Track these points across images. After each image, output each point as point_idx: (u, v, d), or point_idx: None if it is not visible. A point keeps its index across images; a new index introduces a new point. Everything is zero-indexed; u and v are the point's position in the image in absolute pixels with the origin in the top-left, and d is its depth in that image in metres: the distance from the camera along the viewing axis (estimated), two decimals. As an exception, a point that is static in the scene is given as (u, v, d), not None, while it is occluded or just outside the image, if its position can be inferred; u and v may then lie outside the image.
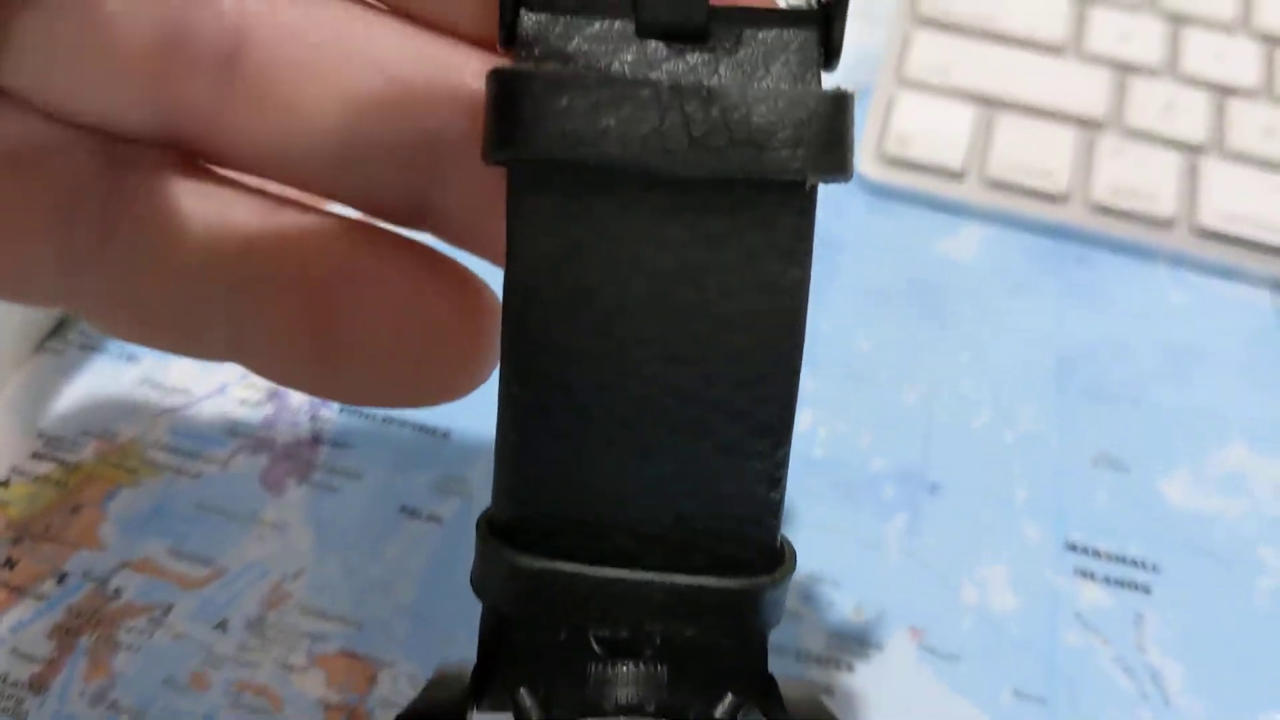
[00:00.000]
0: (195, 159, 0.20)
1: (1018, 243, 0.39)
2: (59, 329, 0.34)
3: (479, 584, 0.19)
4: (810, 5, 0.18)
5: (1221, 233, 0.39)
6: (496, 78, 0.17)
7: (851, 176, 0.18)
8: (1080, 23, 0.44)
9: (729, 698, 0.19)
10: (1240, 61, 0.43)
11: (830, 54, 0.18)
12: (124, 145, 0.20)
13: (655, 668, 0.19)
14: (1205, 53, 0.43)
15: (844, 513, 0.32)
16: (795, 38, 0.18)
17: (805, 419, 0.34)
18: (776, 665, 0.27)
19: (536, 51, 0.17)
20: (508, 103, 0.17)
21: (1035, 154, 0.40)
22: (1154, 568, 0.32)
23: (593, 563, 0.19)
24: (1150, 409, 0.35)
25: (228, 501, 0.31)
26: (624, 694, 0.19)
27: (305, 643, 0.29)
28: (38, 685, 0.28)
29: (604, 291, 0.17)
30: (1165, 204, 0.39)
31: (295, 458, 0.32)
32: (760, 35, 0.18)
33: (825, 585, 0.31)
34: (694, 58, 0.18)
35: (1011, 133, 0.41)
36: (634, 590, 0.19)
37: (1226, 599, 0.31)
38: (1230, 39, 0.43)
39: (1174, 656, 0.30)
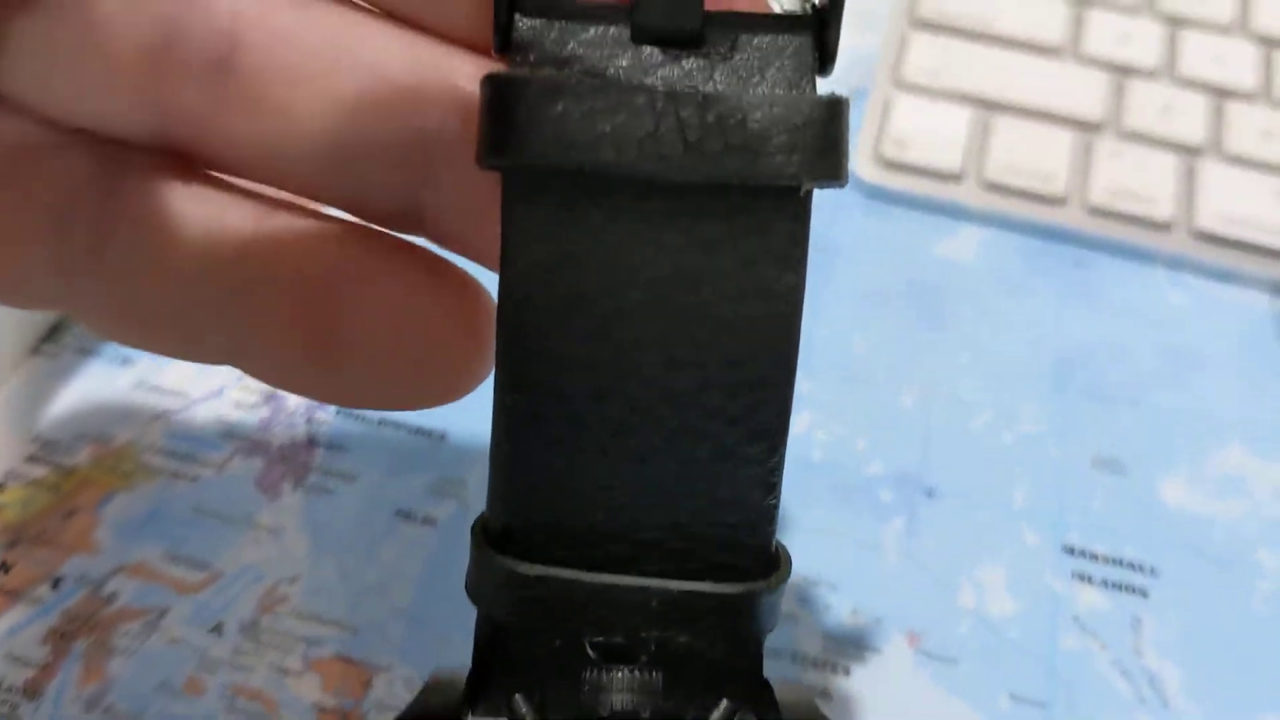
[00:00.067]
0: (190, 163, 0.20)
1: (1015, 245, 0.39)
2: (54, 332, 0.34)
3: (474, 590, 0.19)
4: (805, 10, 0.18)
5: (1219, 235, 0.39)
6: (491, 83, 0.17)
7: (847, 182, 0.18)
8: (1078, 25, 0.44)
9: (724, 703, 0.19)
10: (1238, 64, 0.43)
11: (825, 59, 0.18)
12: (118, 149, 0.19)
13: (650, 674, 0.19)
14: (1203, 55, 0.43)
15: (841, 515, 0.32)
16: (790, 43, 0.18)
17: (803, 422, 0.34)
18: (772, 668, 0.27)
19: (531, 57, 0.17)
20: (502, 108, 0.17)
21: (1033, 156, 0.40)
22: (1152, 571, 0.32)
23: (588, 569, 0.19)
24: (1148, 411, 0.35)
25: (223, 505, 0.31)
26: (619, 700, 0.19)
27: (300, 647, 0.29)
28: (32, 690, 0.28)
29: (599, 297, 0.17)
30: (1163, 206, 0.39)
31: (291, 461, 0.32)
32: (755, 41, 0.18)
33: (822, 588, 0.31)
34: (689, 63, 0.18)
35: (1009, 135, 0.41)
36: (629, 596, 0.19)
37: (1224, 602, 0.31)
38: (1228, 41, 0.43)
39: (1172, 660, 0.30)
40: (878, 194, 0.40)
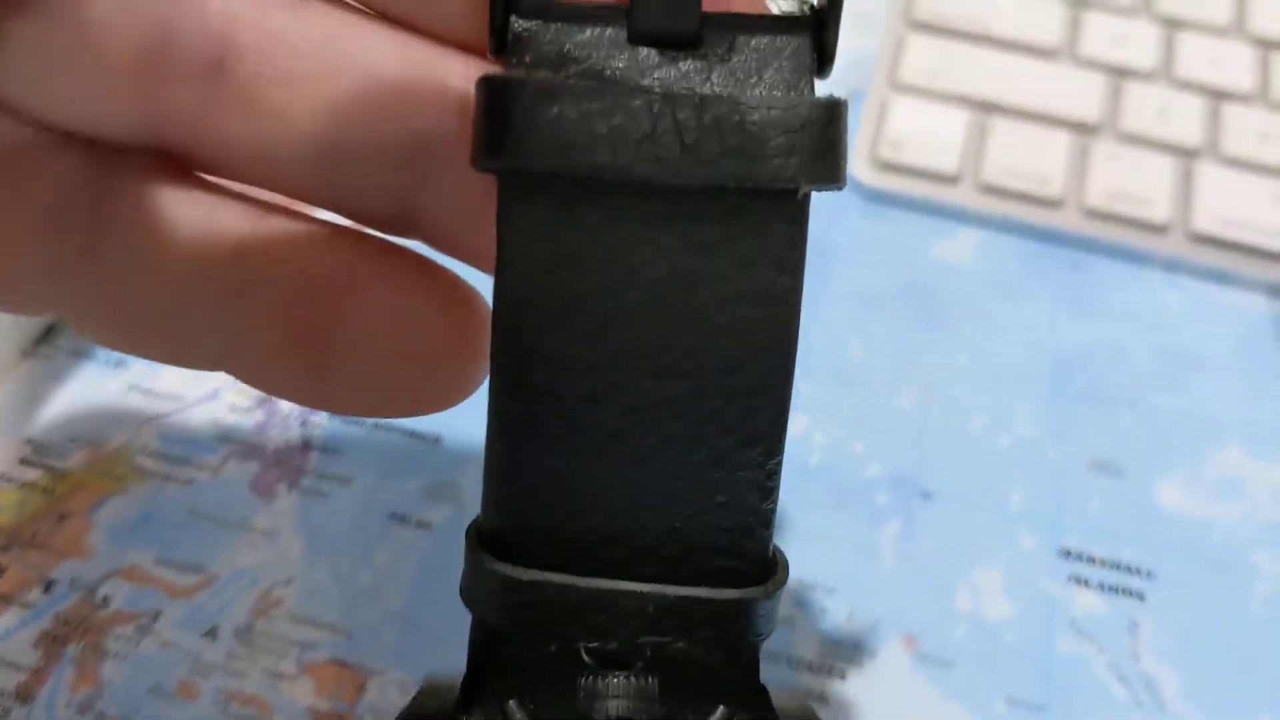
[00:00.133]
0: (184, 165, 0.20)
1: (1012, 247, 0.39)
2: (48, 335, 0.34)
3: (468, 595, 0.19)
4: (803, 11, 0.18)
5: (1216, 237, 0.39)
6: (486, 85, 0.17)
7: (845, 185, 0.17)
8: (1074, 26, 0.44)
9: (720, 709, 0.19)
10: (1235, 66, 0.43)
11: (823, 61, 0.18)
12: (112, 152, 0.19)
13: (646, 680, 0.19)
14: (1200, 57, 0.43)
15: (838, 519, 0.32)
16: (788, 44, 0.18)
17: (800, 425, 0.34)
18: (769, 672, 0.27)
19: (527, 58, 0.17)
20: (498, 110, 0.17)
21: (1030, 158, 0.40)
22: (1149, 574, 0.32)
23: (583, 574, 0.19)
24: (1145, 413, 0.35)
25: (217, 508, 0.31)
26: (614, 706, 0.19)
27: (294, 651, 0.29)
28: (24, 694, 0.28)
29: (595, 301, 0.17)
30: (1160, 209, 0.39)
31: (286, 464, 0.32)
32: (753, 42, 0.18)
33: (818, 592, 0.30)
34: (686, 65, 0.17)
35: (1006, 137, 0.41)
36: (625, 602, 0.18)
37: (1222, 605, 0.31)
38: (1225, 43, 0.43)
39: (1169, 664, 0.30)
40: (874, 196, 0.40)
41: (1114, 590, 0.31)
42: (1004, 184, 0.40)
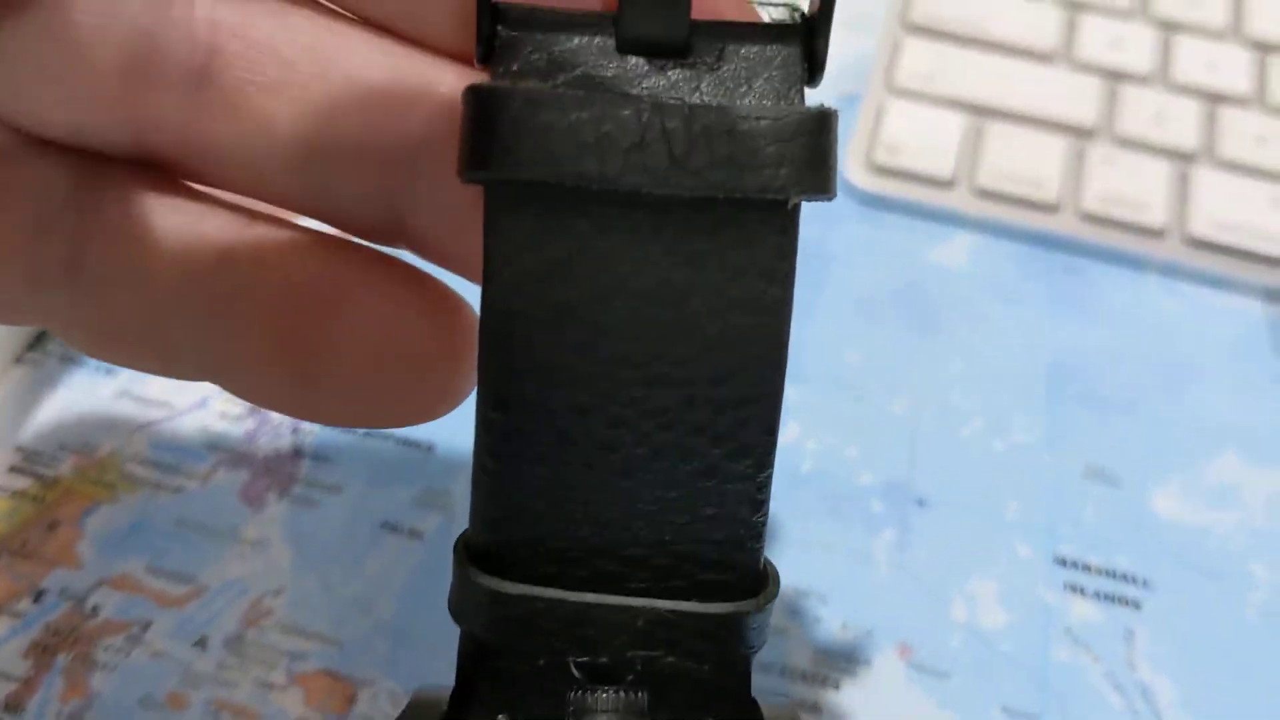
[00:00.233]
0: (168, 174, 0.20)
1: (1008, 252, 0.39)
2: (38, 341, 0.34)
3: (456, 609, 0.19)
4: (793, 20, 0.18)
5: (1212, 242, 0.39)
6: (474, 95, 0.17)
7: (835, 195, 0.17)
8: (1071, 29, 0.43)
9: (710, 724, 0.19)
10: (1231, 69, 0.43)
11: (814, 70, 0.18)
12: (96, 161, 0.19)
13: (636, 694, 0.19)
14: (1196, 60, 0.43)
15: (832, 527, 0.32)
16: (778, 53, 0.18)
17: (793, 431, 0.33)
18: (762, 682, 0.27)
19: (515, 67, 0.17)
20: (485, 121, 0.17)
21: (1025, 162, 0.40)
22: (1144, 583, 0.31)
23: (573, 588, 0.18)
24: (1141, 420, 0.35)
25: (207, 517, 0.31)
26: (604, 721, 0.19)
27: (284, 661, 0.28)
28: (14, 705, 0.27)
29: (583, 312, 0.17)
30: (1156, 213, 0.39)
31: (276, 472, 0.31)
32: (742, 51, 0.18)
33: (812, 601, 0.30)
34: (675, 74, 0.17)
35: (1002, 141, 0.41)
36: (614, 616, 0.18)
37: (1217, 614, 0.31)
38: (1222, 46, 0.43)
39: (1164, 673, 0.30)
40: (870, 200, 0.40)
41: (1110, 599, 0.31)
42: (1000, 188, 0.39)
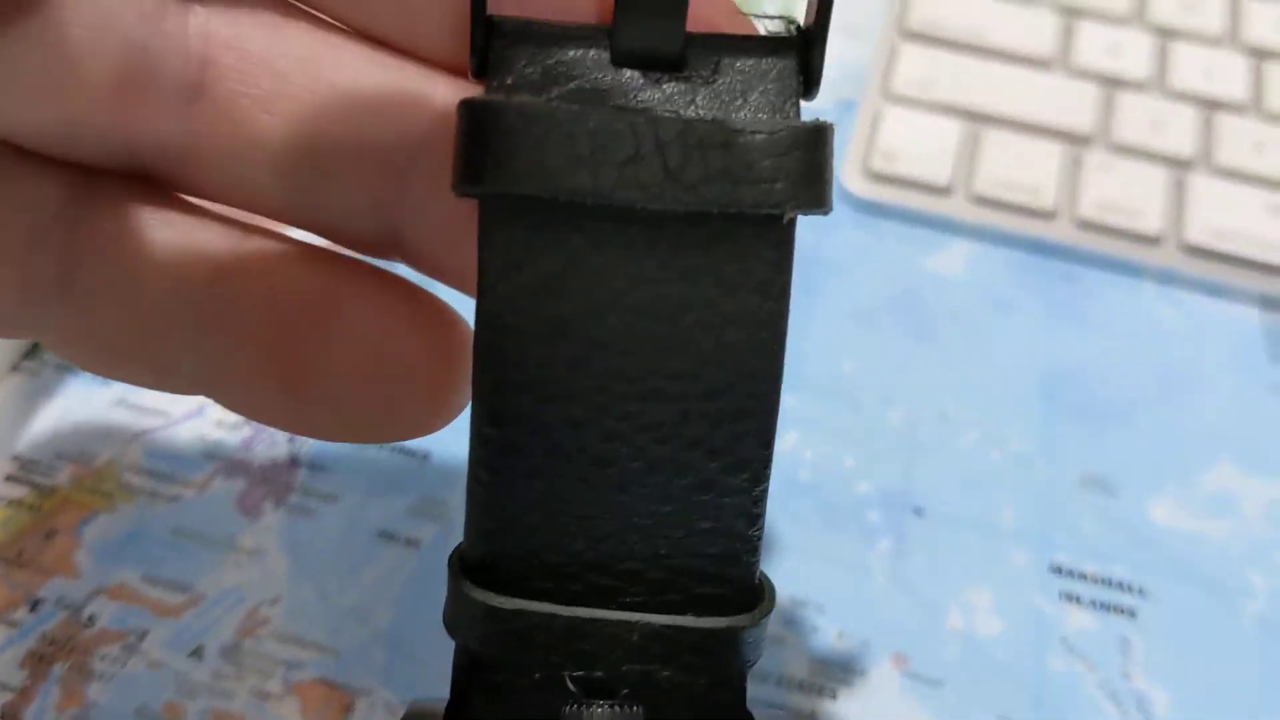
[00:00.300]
0: (162, 187, 0.20)
1: (1004, 259, 0.39)
2: (34, 349, 0.34)
3: (451, 622, 0.19)
4: (789, 32, 0.18)
5: (1209, 249, 0.39)
6: (468, 108, 0.17)
7: (830, 210, 0.17)
8: (1068, 37, 0.43)
9: (705, 738, 0.19)
10: (1228, 76, 0.43)
11: (809, 83, 0.18)
12: (89, 174, 0.19)
13: (631, 708, 0.19)
14: (1193, 67, 0.43)
15: (828, 536, 0.32)
16: (773, 66, 0.18)
17: (790, 440, 0.33)
18: (758, 691, 0.27)
19: (509, 80, 0.17)
20: (478, 134, 0.17)
21: (1022, 170, 0.40)
22: (1140, 591, 0.31)
23: (567, 602, 0.18)
24: (1137, 428, 0.35)
25: (204, 526, 0.31)
26: (599, 734, 0.18)
27: (281, 670, 0.28)
28: (10, 715, 0.27)
29: (578, 326, 0.17)
30: (1152, 220, 0.39)
31: (272, 481, 0.31)
32: (738, 64, 0.17)
33: (809, 610, 0.30)
34: (670, 87, 0.17)
35: (998, 148, 0.41)
36: (609, 631, 0.18)
37: (1213, 623, 0.31)
38: (1218, 53, 0.43)
39: (1160, 682, 0.30)
40: (866, 207, 0.40)
41: (1105, 607, 0.31)
42: (996, 195, 0.39)
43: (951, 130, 0.41)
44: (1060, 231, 0.39)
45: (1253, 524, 0.33)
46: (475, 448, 0.18)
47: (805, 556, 0.31)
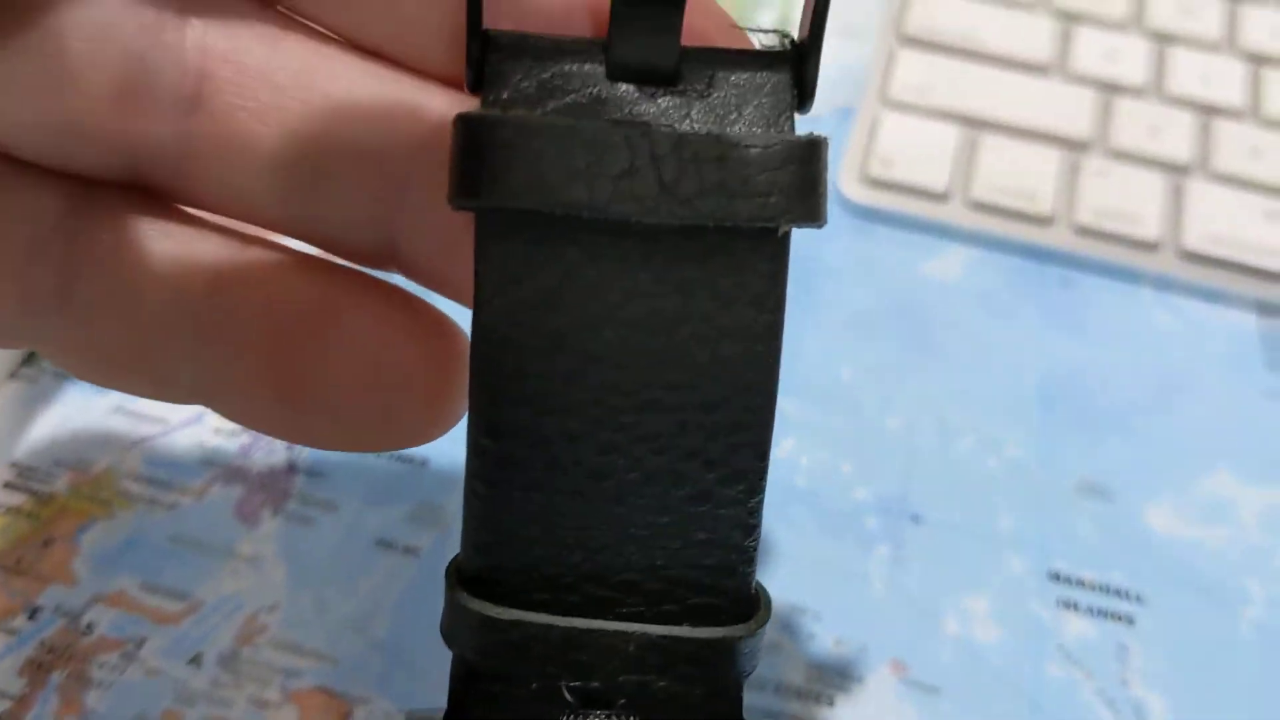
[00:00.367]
0: (159, 198, 0.20)
1: (1002, 265, 0.39)
2: (32, 356, 0.34)
3: (448, 633, 0.19)
4: (783, 46, 0.18)
5: (1206, 255, 0.39)
6: (463, 123, 0.17)
7: (825, 223, 0.17)
8: (1065, 42, 0.43)
9: (702, 748, 0.19)
10: (1226, 81, 0.43)
11: (804, 96, 0.18)
12: (87, 185, 0.19)
13: (628, 718, 0.19)
14: (1191, 73, 0.43)
15: (826, 543, 0.32)
16: (768, 80, 0.18)
17: (787, 446, 0.33)
18: (755, 699, 0.27)
19: (505, 94, 0.17)
20: (474, 149, 0.17)
21: (1020, 175, 0.40)
22: (1138, 598, 0.31)
23: (564, 613, 0.18)
24: (1134, 435, 0.35)
25: (202, 534, 0.31)
26: (595, 746, 0.19)
27: (279, 678, 0.28)
28: (8, 723, 0.27)
29: (574, 340, 0.17)
30: (1150, 226, 0.39)
31: (271, 488, 0.31)
32: (732, 78, 0.18)
33: (806, 617, 0.30)
34: (665, 101, 0.17)
35: (996, 154, 0.41)
36: (606, 642, 0.18)
37: (1211, 630, 0.31)
38: (1216, 58, 0.43)
39: (1157, 689, 0.30)
40: (864, 213, 0.40)
41: (1103, 614, 0.31)
42: (994, 201, 0.40)
43: (949, 136, 0.41)
44: (1058, 237, 0.39)
45: (1250, 531, 0.33)
46: (472, 460, 0.18)
47: (802, 563, 0.31)
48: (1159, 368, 0.37)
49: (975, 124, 0.41)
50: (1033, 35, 0.44)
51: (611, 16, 0.17)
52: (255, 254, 0.20)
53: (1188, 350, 0.37)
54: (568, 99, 0.17)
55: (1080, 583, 0.32)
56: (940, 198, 0.40)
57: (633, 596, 0.19)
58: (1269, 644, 0.31)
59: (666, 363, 0.17)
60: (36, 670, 0.28)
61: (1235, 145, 0.41)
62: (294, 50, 0.19)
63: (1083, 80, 0.43)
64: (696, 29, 0.18)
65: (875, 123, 0.42)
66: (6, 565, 0.30)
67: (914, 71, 0.43)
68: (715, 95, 0.17)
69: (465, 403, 0.18)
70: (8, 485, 0.31)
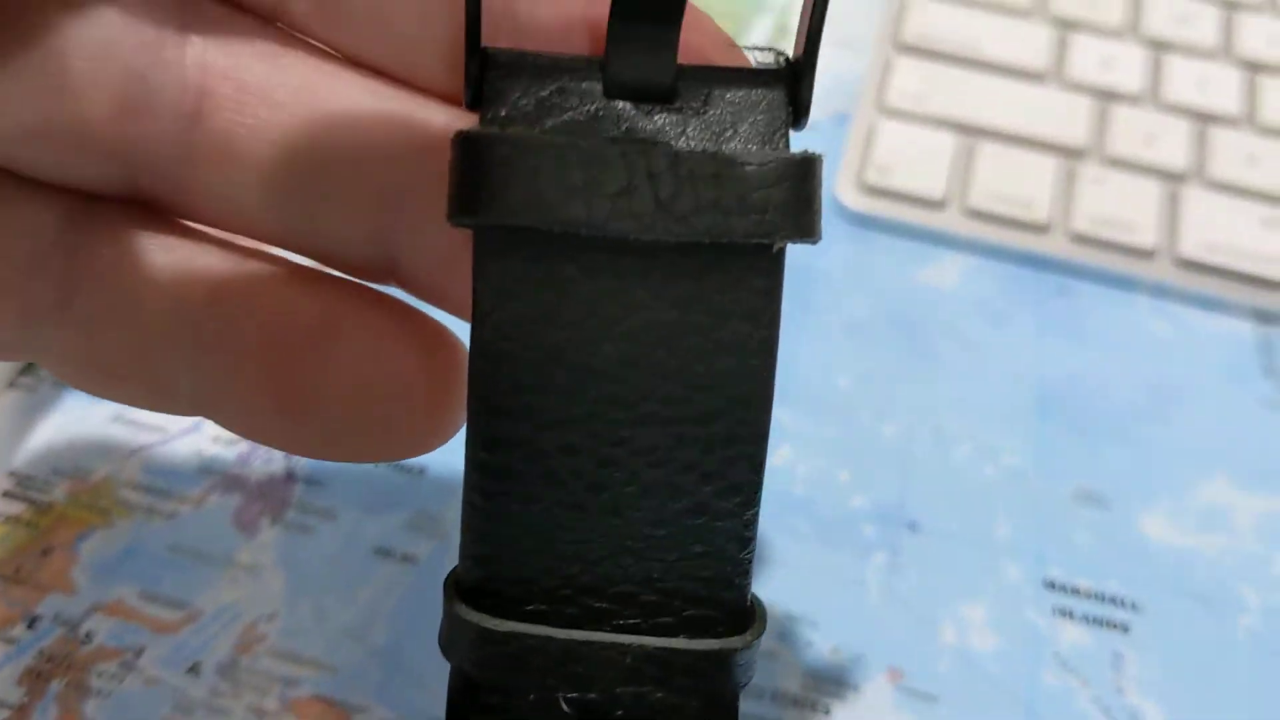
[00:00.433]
0: (159, 212, 0.20)
1: (998, 273, 0.39)
2: (30, 365, 0.34)
3: (447, 645, 0.19)
4: (778, 64, 0.18)
5: (1203, 263, 0.39)
6: (462, 140, 0.17)
7: (819, 239, 0.17)
8: (1061, 50, 0.44)
9: (699, 759, 0.19)
10: (1222, 89, 0.43)
11: (799, 114, 0.18)
12: (87, 200, 0.19)
13: (625, 730, 0.19)
14: (1187, 80, 0.43)
15: (822, 551, 0.32)
16: (763, 98, 0.18)
17: (784, 454, 0.34)
18: (752, 708, 0.27)
19: (503, 112, 0.17)
20: (473, 166, 0.17)
21: (1016, 183, 0.40)
22: (1134, 606, 0.31)
23: (562, 625, 0.19)
24: (1131, 443, 0.35)
25: (201, 543, 0.31)
26: (592, 757, 0.19)
27: (278, 687, 0.28)
28: (7, 732, 0.28)
29: (572, 354, 0.17)
30: (1146, 234, 0.39)
31: (269, 496, 0.32)
32: (728, 95, 0.18)
33: (803, 625, 0.30)
34: (661, 118, 0.17)
35: (992, 161, 0.41)
36: (603, 653, 0.18)
37: (1207, 638, 0.31)
38: (1212, 66, 0.43)
39: (1153, 697, 0.30)
40: (860, 220, 0.40)
41: (1099, 622, 0.31)
42: (990, 209, 0.40)
43: (946, 143, 0.41)
44: (1054, 245, 0.39)
45: (1246, 539, 0.33)
46: (470, 473, 0.18)
47: (799, 571, 0.31)
48: (1155, 376, 0.37)
49: (972, 132, 0.41)
50: (1029, 43, 0.44)
51: (609, 34, 0.17)
52: (255, 267, 0.20)
53: (1184, 358, 0.37)
54: (565, 116, 0.17)
55: (1076, 591, 0.32)
56: (937, 205, 0.40)
57: (630, 608, 0.19)
58: (1264, 652, 0.31)
59: (663, 377, 0.18)
60: (35, 679, 0.28)
61: (1231, 153, 0.41)
62: (294, 67, 0.19)
63: (1079, 88, 0.43)
64: (693, 47, 0.18)
65: (872, 130, 0.42)
66: (5, 574, 0.30)
67: (911, 79, 0.43)
68: (711, 113, 0.18)
69: (464, 413, 0.18)
70: (6, 494, 0.31)
